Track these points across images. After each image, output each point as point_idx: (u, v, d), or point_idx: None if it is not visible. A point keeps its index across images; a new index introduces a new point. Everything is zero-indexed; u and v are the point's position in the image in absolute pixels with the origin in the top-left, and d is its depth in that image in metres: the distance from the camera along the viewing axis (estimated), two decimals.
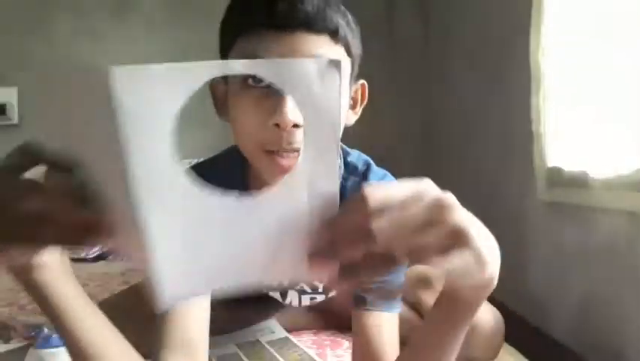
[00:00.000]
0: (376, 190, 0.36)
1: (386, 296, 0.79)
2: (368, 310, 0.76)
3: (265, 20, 0.60)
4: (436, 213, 0.36)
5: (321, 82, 0.35)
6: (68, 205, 0.38)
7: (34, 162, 0.40)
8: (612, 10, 1.14)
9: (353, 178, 0.83)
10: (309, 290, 0.97)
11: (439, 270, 0.37)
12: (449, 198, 0.37)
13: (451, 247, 0.37)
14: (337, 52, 0.64)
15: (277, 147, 0.60)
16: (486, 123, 1.77)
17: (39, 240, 0.41)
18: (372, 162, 0.87)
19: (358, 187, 0.81)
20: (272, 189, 0.37)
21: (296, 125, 0.58)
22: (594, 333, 1.11)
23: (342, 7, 0.66)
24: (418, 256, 0.36)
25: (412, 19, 2.68)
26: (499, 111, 1.66)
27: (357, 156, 0.87)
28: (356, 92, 0.75)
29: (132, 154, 0.31)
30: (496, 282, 0.44)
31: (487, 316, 1.00)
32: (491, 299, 1.05)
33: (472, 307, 0.50)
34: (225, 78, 0.67)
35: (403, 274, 0.81)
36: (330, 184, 0.38)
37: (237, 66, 0.37)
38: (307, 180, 0.37)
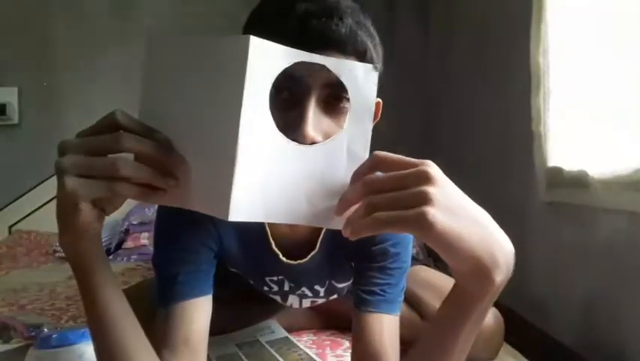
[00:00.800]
0: (386, 154, 0.49)
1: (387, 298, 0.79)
2: (369, 311, 0.76)
3: (298, 38, 0.58)
4: (414, 180, 0.45)
5: (366, 79, 0.53)
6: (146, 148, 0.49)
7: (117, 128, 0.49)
8: (612, 10, 1.14)
9: None
10: (309, 294, 0.97)
11: (382, 213, 0.45)
12: (427, 169, 0.46)
13: (409, 205, 0.45)
14: None
15: None
16: (486, 123, 1.77)
17: (121, 174, 0.49)
18: None
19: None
20: (320, 143, 0.54)
21: (313, 143, 0.56)
22: (594, 333, 1.11)
23: (372, 30, 0.67)
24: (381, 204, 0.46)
25: (412, 19, 2.68)
26: (499, 111, 1.66)
27: None
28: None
29: (246, 105, 0.46)
30: (499, 277, 0.47)
31: (487, 316, 1.00)
32: None
33: (477, 305, 0.51)
34: None
35: (404, 277, 0.81)
36: (362, 151, 0.52)
37: (317, 58, 0.52)
38: (346, 144, 0.52)
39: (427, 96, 2.51)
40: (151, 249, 2.93)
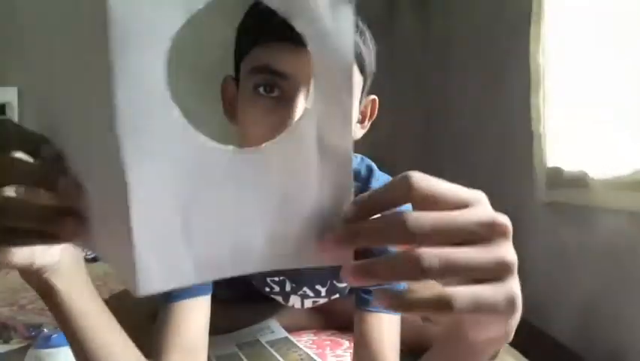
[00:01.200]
0: (425, 179, 0.30)
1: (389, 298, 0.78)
2: (370, 311, 0.76)
3: (283, 34, 0.57)
4: (487, 233, 0.30)
5: (333, 16, 0.30)
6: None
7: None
8: (612, 10, 1.14)
9: (355, 184, 0.82)
10: (311, 294, 0.97)
11: (463, 297, 0.29)
12: (507, 222, 0.31)
13: (489, 277, 0.30)
14: (353, 70, 0.62)
15: None
16: (486, 123, 1.77)
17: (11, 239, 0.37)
18: (375, 167, 0.87)
19: (364, 191, 0.82)
20: (275, 141, 0.30)
21: None
22: (594, 333, 1.11)
23: (361, 25, 0.66)
24: (450, 270, 0.29)
25: (412, 19, 2.68)
26: (499, 111, 1.66)
27: (359, 162, 0.87)
28: (366, 107, 0.75)
29: (118, 81, 0.25)
30: (511, 337, 0.36)
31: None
32: None
33: (475, 357, 0.40)
34: (237, 80, 0.67)
35: None
36: (343, 141, 0.31)
37: None
38: (316, 133, 0.31)
39: (427, 96, 2.51)
40: None
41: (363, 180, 0.84)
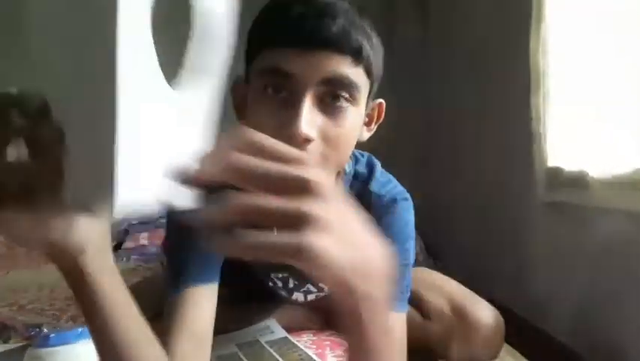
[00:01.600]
0: (253, 133, 0.34)
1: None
2: None
3: (291, 37, 0.63)
4: (297, 189, 0.32)
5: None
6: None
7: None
8: (613, 9, 1.14)
9: (357, 183, 0.86)
10: (314, 290, 0.97)
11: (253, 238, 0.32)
12: (317, 181, 0.33)
13: (287, 225, 0.32)
14: (357, 73, 0.66)
15: None
16: (486, 123, 1.76)
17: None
18: (377, 166, 0.89)
19: (362, 191, 0.84)
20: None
21: (307, 140, 0.62)
22: (594, 333, 1.11)
23: (369, 29, 0.68)
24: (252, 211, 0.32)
25: (412, 19, 2.68)
26: (499, 111, 1.66)
27: (365, 162, 0.89)
28: (373, 110, 0.78)
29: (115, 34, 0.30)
30: (377, 293, 0.38)
31: (487, 315, 1.00)
32: (491, 300, 1.05)
33: (357, 322, 0.41)
34: (247, 82, 0.70)
35: (409, 274, 0.81)
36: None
37: None
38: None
39: (427, 96, 2.51)
40: (151, 249, 2.95)
41: (362, 180, 0.86)
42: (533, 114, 1.30)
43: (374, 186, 0.85)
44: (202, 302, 0.74)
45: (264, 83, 0.65)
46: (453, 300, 1.00)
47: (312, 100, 0.63)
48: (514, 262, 1.51)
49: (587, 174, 1.11)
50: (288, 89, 0.64)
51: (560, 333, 1.24)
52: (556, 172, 1.24)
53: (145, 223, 2.58)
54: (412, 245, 0.83)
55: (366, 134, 0.79)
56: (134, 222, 2.58)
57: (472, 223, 1.92)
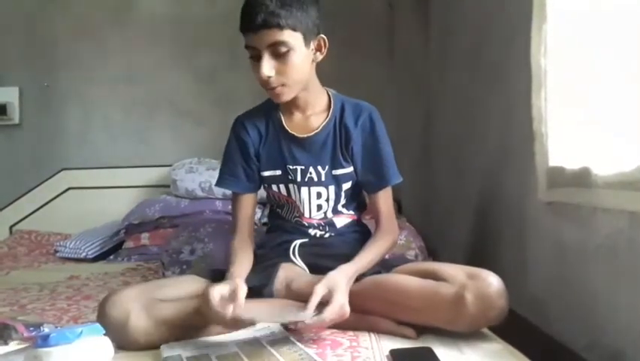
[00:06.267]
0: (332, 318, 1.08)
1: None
2: (374, 193, 1.38)
3: (247, 25, 1.19)
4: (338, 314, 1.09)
5: None
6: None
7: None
8: (613, 9, 1.14)
9: (333, 116, 1.35)
10: (315, 179, 1.35)
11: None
12: (343, 308, 1.09)
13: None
14: (288, 34, 1.17)
15: (266, 88, 1.24)
16: (486, 123, 1.76)
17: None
18: (345, 100, 1.39)
19: (337, 124, 1.36)
20: None
21: (269, 77, 1.20)
22: (594, 333, 1.11)
23: (306, 5, 1.19)
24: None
25: (412, 19, 2.68)
26: (499, 111, 1.66)
27: (337, 100, 1.38)
28: (317, 44, 1.26)
29: None
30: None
31: (497, 279, 1.09)
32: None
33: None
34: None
35: (389, 145, 1.39)
36: None
37: None
38: None
39: (427, 96, 2.51)
40: (151, 249, 2.96)
41: (339, 114, 1.34)
42: (534, 114, 1.30)
43: (348, 119, 1.35)
44: (242, 204, 1.38)
45: (249, 54, 1.22)
46: (465, 269, 1.14)
47: (268, 56, 1.18)
48: (514, 262, 1.51)
49: (588, 173, 1.11)
50: (256, 54, 1.20)
51: (560, 333, 1.24)
52: (557, 172, 1.24)
53: (145, 223, 2.58)
54: (382, 121, 1.38)
55: (319, 56, 1.28)
56: (134, 222, 2.58)
57: (472, 223, 1.92)
